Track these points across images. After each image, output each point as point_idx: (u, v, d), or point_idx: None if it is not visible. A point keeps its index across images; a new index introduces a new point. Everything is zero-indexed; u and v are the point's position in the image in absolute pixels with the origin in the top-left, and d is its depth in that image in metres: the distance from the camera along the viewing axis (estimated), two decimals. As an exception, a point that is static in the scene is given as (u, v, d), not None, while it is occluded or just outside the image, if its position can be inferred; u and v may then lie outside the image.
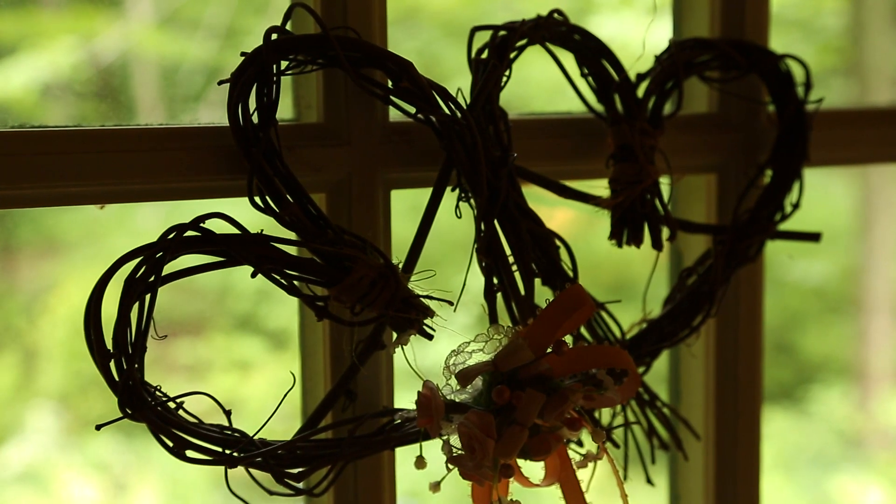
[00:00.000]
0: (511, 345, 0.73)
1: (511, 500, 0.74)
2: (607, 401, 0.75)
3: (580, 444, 0.81)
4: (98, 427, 0.73)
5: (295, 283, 0.73)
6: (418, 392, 0.73)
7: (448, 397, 0.74)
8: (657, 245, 0.81)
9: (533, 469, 0.79)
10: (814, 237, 0.86)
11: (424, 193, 0.78)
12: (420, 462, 0.75)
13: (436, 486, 0.75)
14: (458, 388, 0.75)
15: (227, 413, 0.74)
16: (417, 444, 0.76)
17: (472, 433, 0.71)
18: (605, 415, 0.83)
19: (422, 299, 0.75)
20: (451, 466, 0.74)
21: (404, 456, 0.84)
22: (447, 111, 0.75)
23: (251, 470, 0.75)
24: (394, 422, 0.77)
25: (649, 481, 0.84)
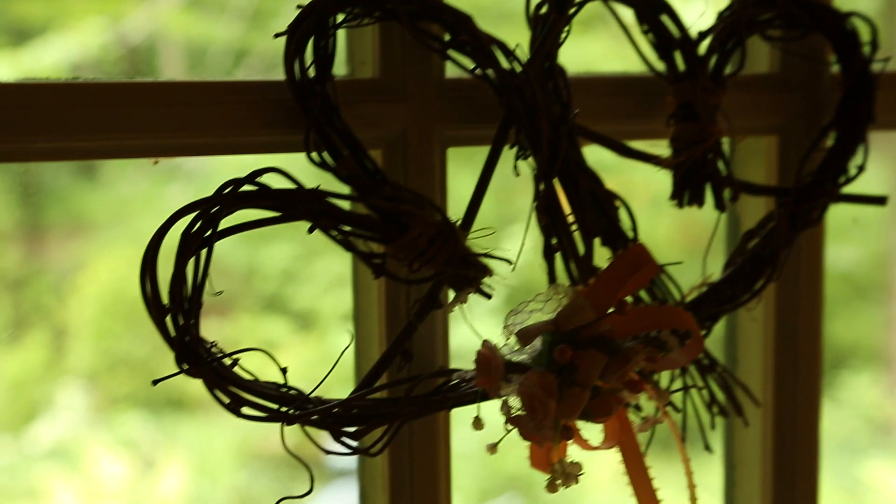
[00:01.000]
0: (572, 304, 0.71)
1: (571, 461, 0.73)
2: (670, 362, 0.74)
3: (638, 408, 0.79)
4: (154, 382, 0.72)
5: (351, 239, 0.71)
6: (477, 351, 0.72)
7: (506, 357, 0.73)
8: (720, 206, 0.79)
9: (591, 433, 0.77)
10: (880, 200, 0.84)
11: (477, 151, 0.77)
12: (478, 423, 0.73)
13: (493, 448, 0.74)
14: (517, 347, 0.74)
15: (283, 371, 0.73)
16: (474, 406, 0.75)
17: (534, 393, 0.70)
18: (662, 379, 0.81)
19: (480, 258, 0.73)
20: (509, 427, 0.73)
21: (458, 418, 0.83)
22: (506, 66, 0.74)
23: (306, 428, 0.74)
24: (451, 382, 0.76)
25: (708, 448, 0.82)
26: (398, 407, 0.73)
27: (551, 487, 0.72)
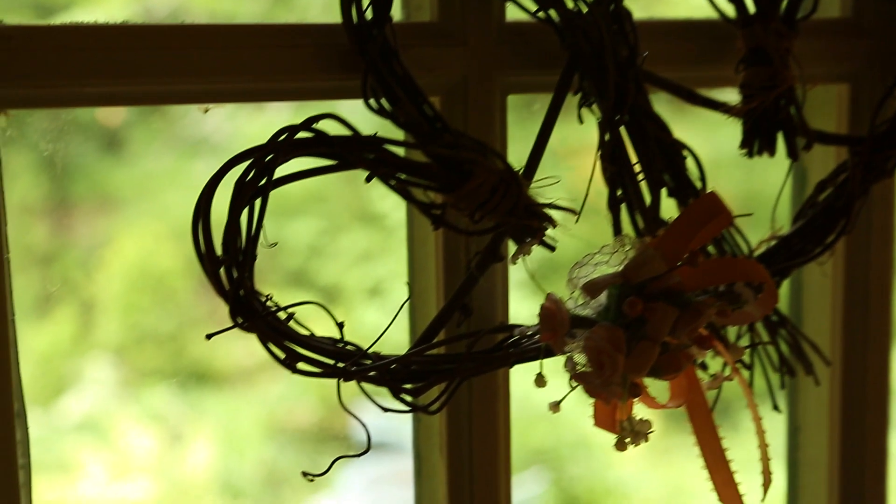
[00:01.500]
0: (642, 255, 0.68)
1: (640, 419, 0.70)
2: (742, 317, 0.70)
3: (704, 366, 0.76)
4: (208, 336, 0.70)
5: (409, 188, 0.69)
6: (541, 305, 0.69)
7: (571, 312, 0.70)
8: (793, 154, 0.76)
9: (656, 391, 0.74)
10: (958, 150, 0.80)
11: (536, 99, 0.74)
12: (541, 380, 0.71)
13: (556, 406, 0.71)
14: (581, 301, 0.71)
15: (340, 325, 0.70)
16: (530, 363, 0.72)
17: (602, 348, 0.67)
18: (728, 336, 0.78)
19: (544, 207, 0.70)
20: (574, 384, 0.70)
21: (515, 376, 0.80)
22: (571, 7, 0.70)
23: (363, 385, 0.71)
24: (512, 337, 0.73)
25: (776, 408, 0.79)
26: (459, 363, 0.70)
27: (620, 446, 0.69)
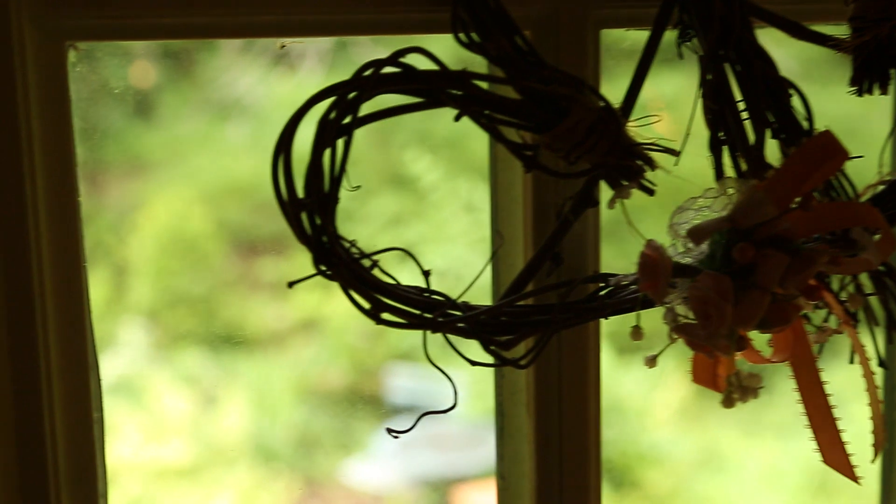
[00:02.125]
0: (751, 199, 0.64)
1: (749, 373, 0.66)
2: (858, 265, 0.66)
3: (807, 319, 0.72)
4: (290, 284, 0.66)
5: (500, 128, 0.64)
6: (641, 253, 0.65)
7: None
8: (908, 92, 0.70)
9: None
10: None
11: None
12: (637, 333, 0.67)
13: (652, 361, 0.67)
14: (682, 249, 0.66)
15: (426, 273, 0.66)
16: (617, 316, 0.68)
17: (709, 298, 0.63)
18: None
19: (644, 148, 0.66)
20: (674, 337, 0.66)
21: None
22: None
23: (449, 337, 0.67)
24: (607, 287, 0.69)
25: (882, 364, 0.75)
26: (553, 314, 0.66)
27: (728, 402, 0.65)
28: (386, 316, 0.66)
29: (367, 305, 0.65)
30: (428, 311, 0.66)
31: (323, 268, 0.64)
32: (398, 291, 0.65)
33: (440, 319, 0.66)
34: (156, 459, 3.79)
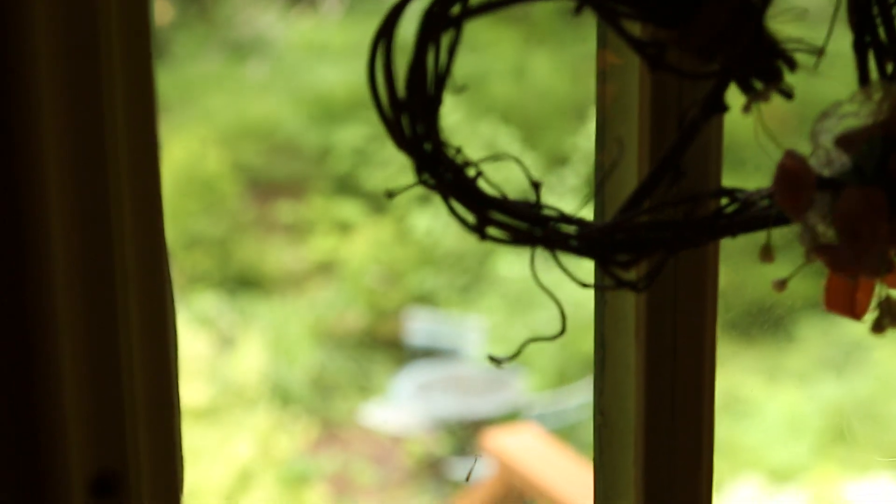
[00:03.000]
0: (908, 103, 0.57)
1: (899, 297, 0.59)
2: None
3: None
4: (389, 195, 0.60)
5: (623, 22, 0.57)
6: (779, 164, 0.58)
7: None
8: None
9: None
10: None
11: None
12: (767, 253, 0.60)
13: (780, 285, 0.61)
14: (822, 160, 0.60)
15: (537, 186, 0.60)
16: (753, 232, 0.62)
17: (860, 214, 0.56)
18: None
19: (786, 47, 0.59)
20: (812, 257, 0.60)
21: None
22: None
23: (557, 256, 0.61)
24: (733, 203, 0.62)
25: None
26: (676, 231, 0.60)
27: (877, 329, 0.59)
28: (492, 231, 0.59)
29: (471, 220, 0.58)
30: (537, 225, 0.59)
31: (425, 177, 0.57)
32: (507, 205, 0.59)
33: (549, 235, 0.59)
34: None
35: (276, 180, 7.03)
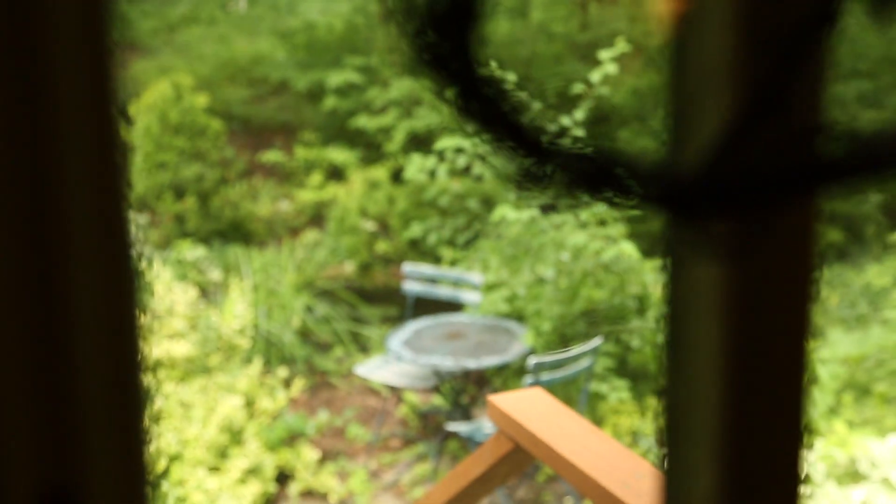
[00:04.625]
0: None
1: None
2: None
3: None
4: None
5: None
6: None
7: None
8: None
9: None
10: None
11: None
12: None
13: None
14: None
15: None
16: None
17: None
18: None
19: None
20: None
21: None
22: None
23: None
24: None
25: None
26: (793, 179, 0.46)
27: None
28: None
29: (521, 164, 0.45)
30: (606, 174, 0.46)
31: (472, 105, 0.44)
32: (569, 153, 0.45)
33: (625, 185, 0.46)
34: (163, 351, 3.66)
35: (264, 124, 6.81)
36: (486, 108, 0.44)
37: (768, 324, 0.54)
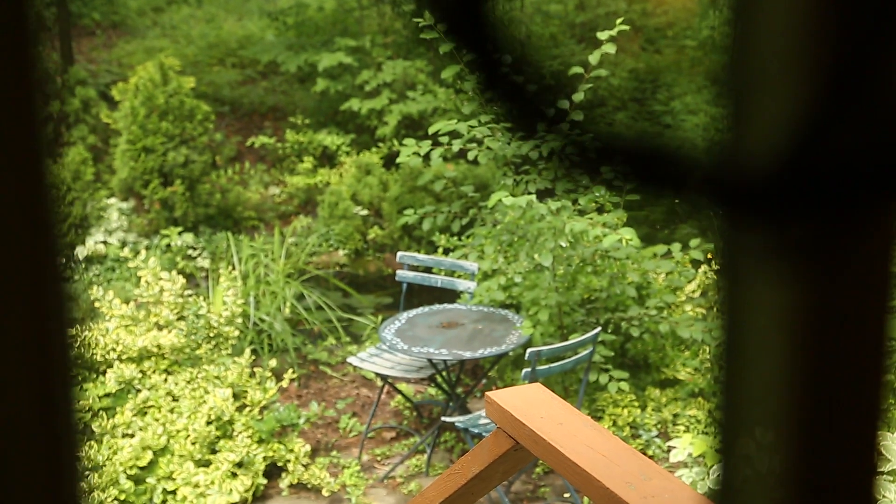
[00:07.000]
0: None
1: None
2: None
3: None
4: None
5: None
6: None
7: None
8: None
9: None
10: None
11: None
12: None
13: None
14: None
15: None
16: None
17: None
18: None
19: None
20: None
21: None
22: None
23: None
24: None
25: None
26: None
27: None
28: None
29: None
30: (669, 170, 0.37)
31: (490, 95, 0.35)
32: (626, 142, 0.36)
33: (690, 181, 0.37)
34: (152, 338, 3.52)
35: (254, 107, 6.68)
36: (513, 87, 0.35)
37: (844, 343, 0.45)
